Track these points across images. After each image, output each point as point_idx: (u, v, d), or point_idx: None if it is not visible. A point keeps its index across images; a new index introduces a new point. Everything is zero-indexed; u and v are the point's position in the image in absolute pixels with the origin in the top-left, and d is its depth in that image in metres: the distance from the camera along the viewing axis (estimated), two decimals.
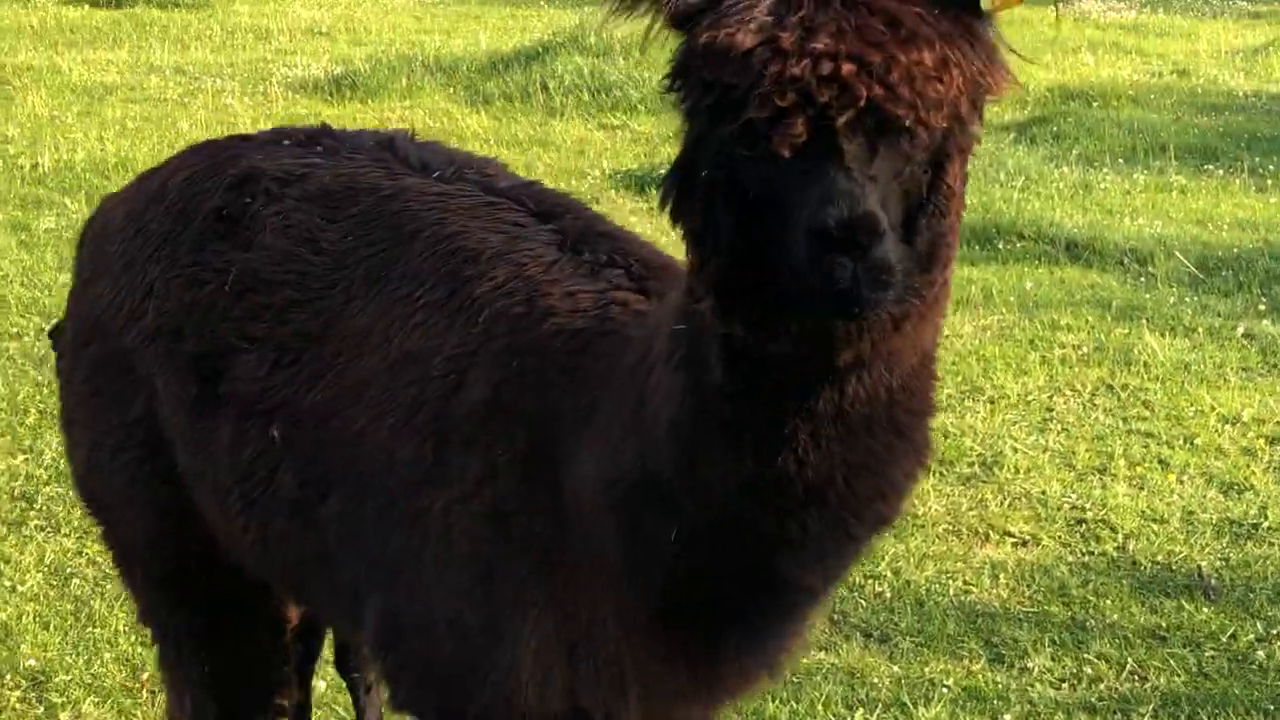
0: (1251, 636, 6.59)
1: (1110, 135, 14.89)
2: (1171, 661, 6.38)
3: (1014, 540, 7.43)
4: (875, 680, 6.23)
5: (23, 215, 12.72)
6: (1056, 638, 6.57)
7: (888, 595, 6.88)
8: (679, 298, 3.13)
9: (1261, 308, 10.34)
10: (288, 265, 3.98)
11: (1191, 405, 8.91)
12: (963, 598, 6.90)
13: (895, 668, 6.33)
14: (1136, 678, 6.31)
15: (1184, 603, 6.82)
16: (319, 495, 3.79)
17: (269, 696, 4.48)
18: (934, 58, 2.75)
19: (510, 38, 19.99)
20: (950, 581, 7.03)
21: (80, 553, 7.20)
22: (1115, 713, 6.07)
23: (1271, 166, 14.01)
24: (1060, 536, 7.45)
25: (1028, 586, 7.00)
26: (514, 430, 3.48)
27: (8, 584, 6.95)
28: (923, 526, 7.48)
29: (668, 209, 2.97)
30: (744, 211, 2.81)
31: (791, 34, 2.73)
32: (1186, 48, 19.99)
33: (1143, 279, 10.98)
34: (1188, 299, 10.54)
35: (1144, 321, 10.09)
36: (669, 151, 12.47)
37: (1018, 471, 8.09)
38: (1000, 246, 11.75)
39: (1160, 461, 8.24)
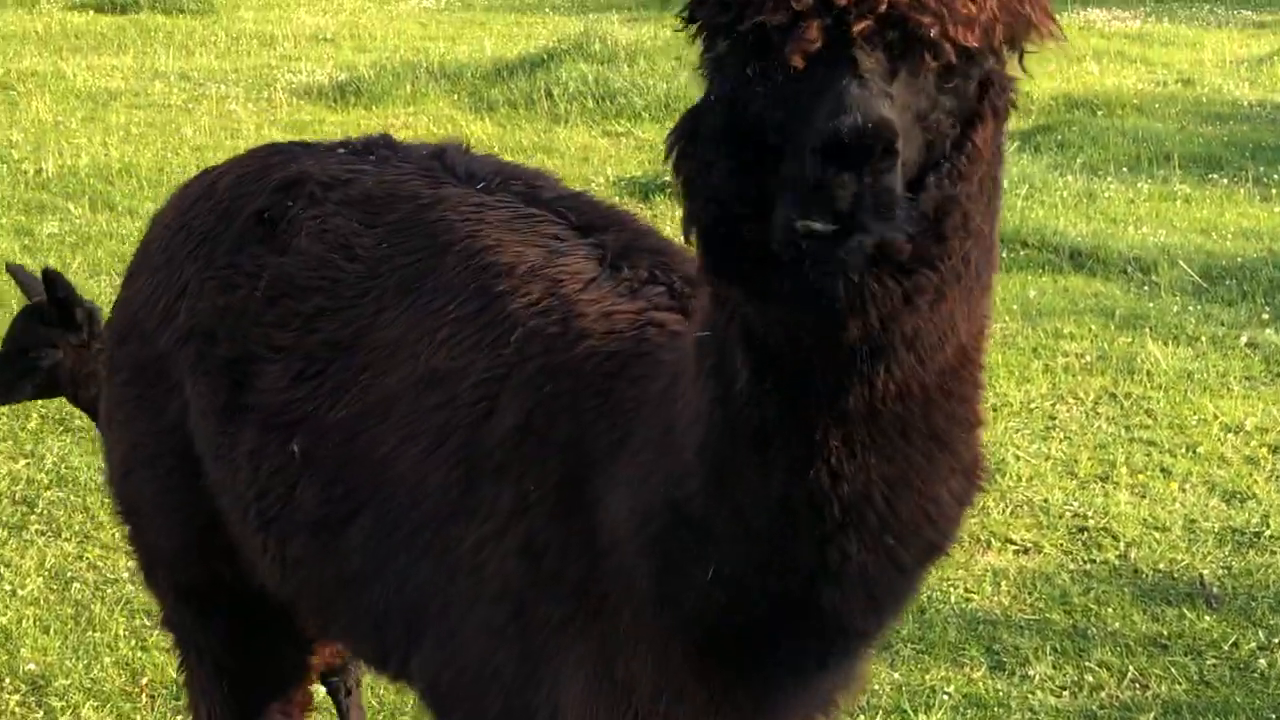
0: (1253, 645, 6.57)
1: (1115, 144, 14.88)
2: (1173, 670, 6.37)
3: (1016, 548, 7.42)
4: (876, 687, 6.21)
5: (26, 220, 12.72)
6: (1058, 645, 6.56)
7: None
8: (701, 300, 2.96)
9: (1265, 316, 10.33)
10: (321, 271, 3.89)
11: (1194, 414, 8.89)
12: (964, 605, 6.89)
13: (896, 674, 6.32)
14: (1138, 685, 6.30)
15: (1186, 611, 6.80)
16: (342, 518, 3.66)
17: (288, 713, 4.44)
18: None
19: (515, 44, 19.99)
20: (951, 589, 7.01)
21: (81, 557, 7.19)
22: None
23: (1276, 176, 13.99)
24: (1062, 544, 7.43)
25: (1029, 594, 6.98)
26: (547, 459, 3.32)
27: (8, 588, 6.94)
28: None
29: (671, 160, 2.75)
30: (744, 151, 2.60)
31: None
32: (1191, 57, 19.97)
33: (1146, 288, 10.96)
34: (1191, 308, 10.52)
35: (1147, 330, 10.08)
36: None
37: (1020, 479, 8.07)
38: (1004, 254, 11.71)
39: (1163, 470, 8.22)
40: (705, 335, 2.88)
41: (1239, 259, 11.51)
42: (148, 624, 6.61)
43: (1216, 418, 8.82)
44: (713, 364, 2.88)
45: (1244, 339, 9.94)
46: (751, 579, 2.97)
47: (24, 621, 6.68)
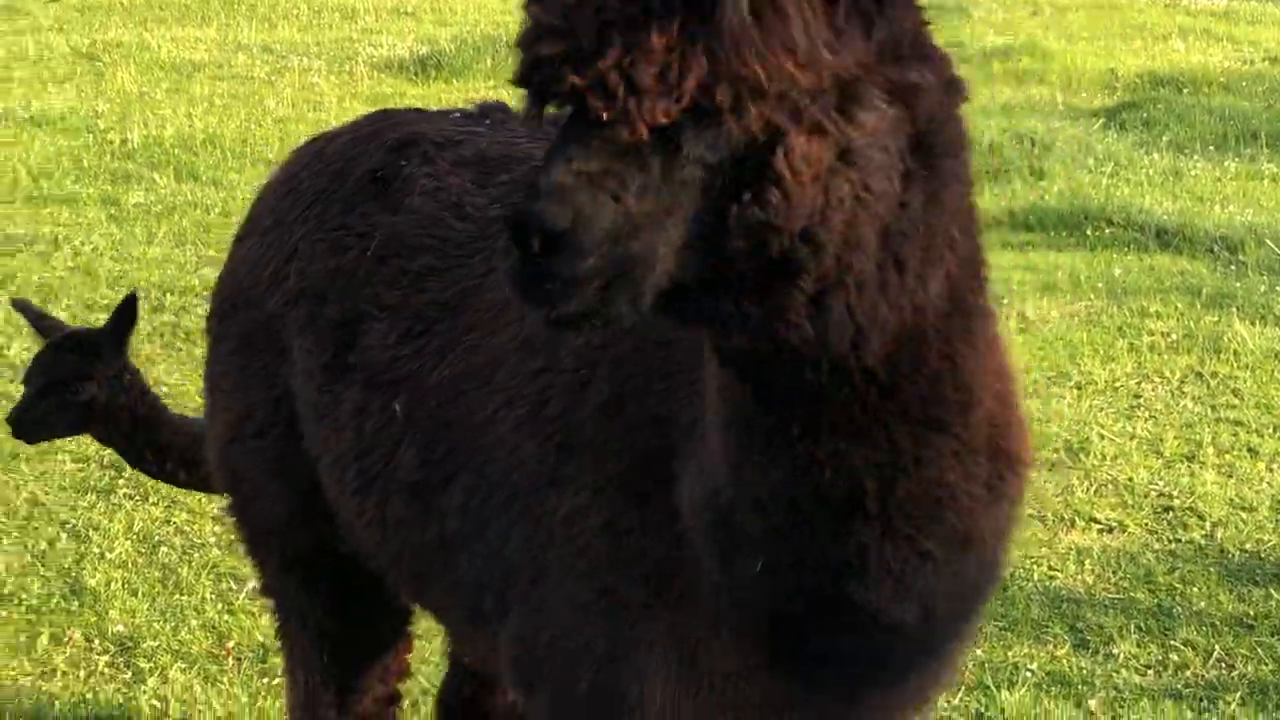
0: None
1: (1201, 122, 14.71)
2: (1259, 650, 6.31)
3: (1100, 527, 7.37)
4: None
5: (112, 189, 12.83)
6: (1142, 624, 6.51)
7: None
8: None
9: None
10: (432, 230, 3.86)
11: None
12: (1047, 583, 6.84)
13: (979, 651, 6.29)
14: (1223, 665, 6.25)
15: (1272, 591, 6.74)
16: (441, 480, 3.63)
17: (386, 685, 4.45)
18: (659, 41, 2.42)
19: None
20: (1035, 567, 6.97)
21: (168, 521, 7.27)
22: (1201, 699, 6.01)
23: None
24: (1147, 524, 7.37)
25: (1113, 573, 6.93)
26: (633, 437, 3.30)
27: (97, 551, 7.02)
28: None
29: None
30: None
31: (536, 6, 2.53)
32: (1278, 35, 19.71)
33: (1233, 266, 10.85)
34: (1279, 287, 10.40)
35: (1234, 309, 9.97)
36: None
37: (1104, 458, 8.01)
38: (1089, 233, 11.64)
39: (1249, 450, 8.14)
40: None
41: None
42: (233, 588, 6.68)
43: None
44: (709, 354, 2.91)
45: None
46: (788, 574, 2.97)
47: (112, 584, 6.76)
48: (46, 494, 7.54)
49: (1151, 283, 10.52)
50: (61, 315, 9.79)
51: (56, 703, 5.94)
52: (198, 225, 12.02)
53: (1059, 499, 7.59)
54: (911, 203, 2.63)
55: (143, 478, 7.56)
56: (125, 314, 5.56)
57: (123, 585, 6.75)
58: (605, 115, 2.43)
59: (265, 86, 16.46)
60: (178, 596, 6.65)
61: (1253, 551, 7.10)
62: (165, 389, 8.83)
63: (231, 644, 6.31)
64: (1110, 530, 7.34)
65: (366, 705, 4.39)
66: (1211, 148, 14.05)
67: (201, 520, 7.22)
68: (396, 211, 3.94)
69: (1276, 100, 15.90)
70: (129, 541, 7.12)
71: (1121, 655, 6.29)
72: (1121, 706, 5.98)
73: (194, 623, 6.39)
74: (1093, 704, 5.97)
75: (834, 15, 2.50)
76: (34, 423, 5.57)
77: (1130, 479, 7.80)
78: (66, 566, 6.92)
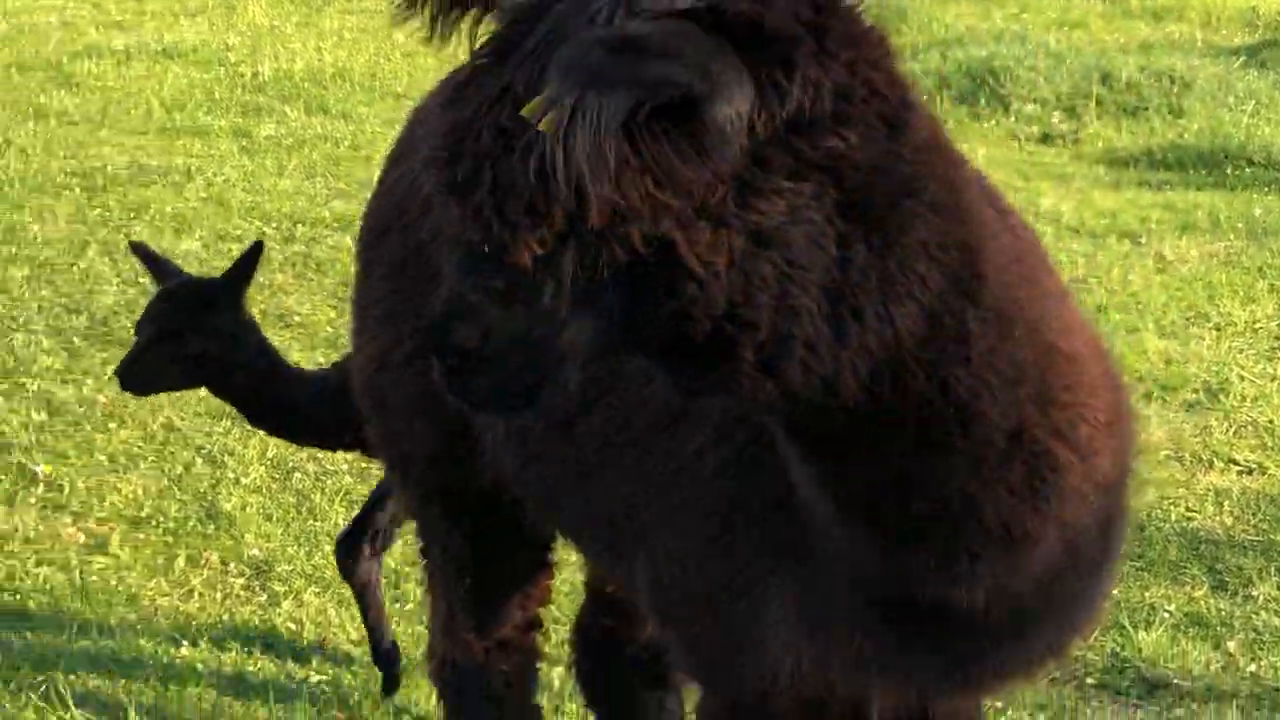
0: None
1: None
2: None
3: (1239, 468, 7.24)
4: None
5: (244, 122, 12.94)
6: None
7: None
8: None
9: None
10: None
11: None
12: (1185, 524, 6.74)
13: (1115, 591, 6.20)
14: None
15: None
16: (581, 409, 3.59)
17: (526, 611, 4.45)
18: (523, 175, 2.45)
19: None
20: (1172, 508, 6.87)
21: (301, 448, 7.31)
22: None
23: None
24: None
25: (1253, 515, 6.82)
26: None
27: (232, 476, 7.10)
28: (1144, 452, 7.30)
29: None
30: None
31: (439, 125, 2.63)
32: None
33: None
34: None
35: None
36: None
37: (1244, 399, 7.87)
38: (1229, 172, 11.43)
39: None
40: None
41: None
42: None
43: None
44: None
45: None
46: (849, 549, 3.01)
47: (248, 508, 6.83)
48: (182, 419, 7.63)
49: None
50: (195, 245, 9.94)
51: (194, 623, 6.02)
52: (328, 158, 12.09)
53: (1197, 440, 7.47)
54: (854, 259, 2.57)
55: None
56: (245, 265, 5.31)
57: (258, 510, 6.82)
58: (484, 247, 2.50)
59: None
60: (311, 522, 6.71)
61: None
62: (297, 319, 8.91)
63: None
64: (1249, 472, 7.21)
65: (507, 631, 4.39)
66: None
67: None
68: None
69: None
70: (263, 467, 7.19)
71: (1261, 598, 6.18)
72: (1261, 649, 5.88)
73: (327, 548, 6.43)
74: (1231, 646, 5.88)
75: (698, 132, 2.45)
76: (142, 375, 5.27)
77: (1271, 421, 7.65)
78: (202, 491, 7.01)
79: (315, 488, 6.98)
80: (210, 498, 6.95)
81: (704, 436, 3.33)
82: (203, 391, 5.55)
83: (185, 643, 5.87)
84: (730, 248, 2.50)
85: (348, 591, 5.84)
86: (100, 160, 11.87)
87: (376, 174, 4.52)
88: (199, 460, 7.27)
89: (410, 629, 5.89)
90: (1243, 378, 8.09)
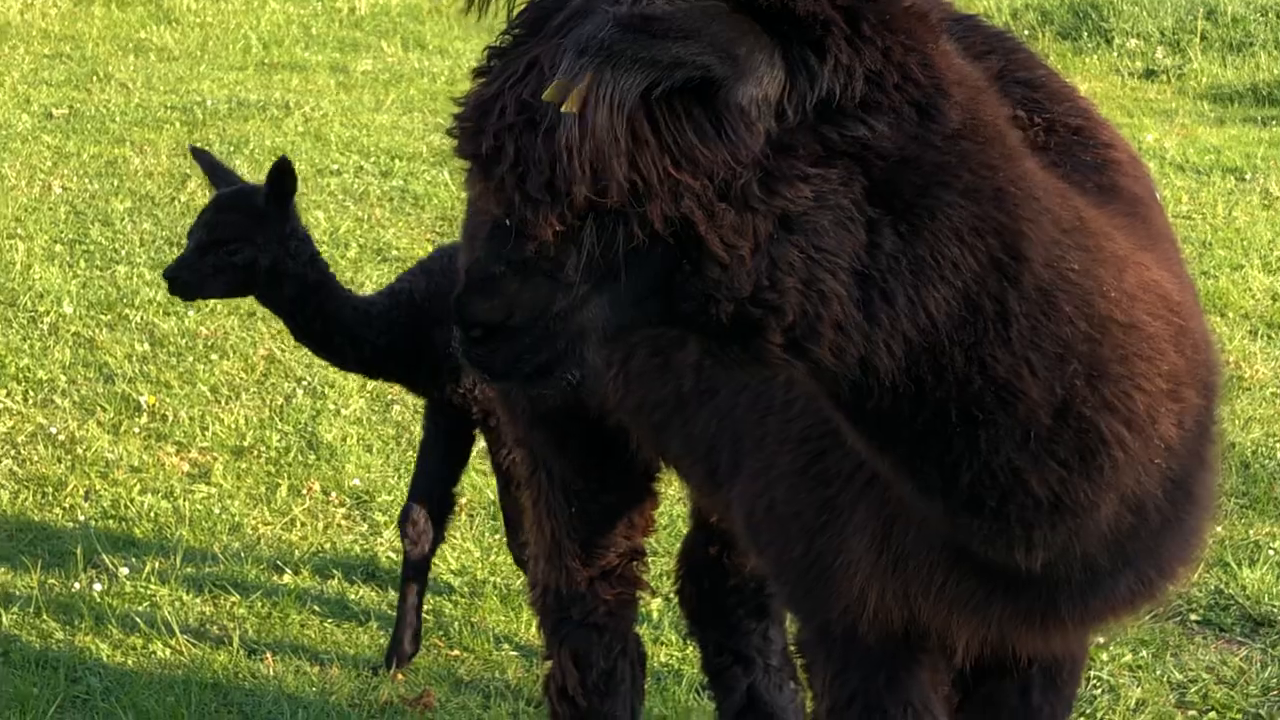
0: None
1: None
2: None
3: None
4: None
5: (341, 57, 13.00)
6: None
7: None
8: None
9: None
10: None
11: None
12: None
13: (1219, 528, 6.14)
14: None
15: None
16: (678, 336, 3.55)
17: (631, 540, 4.46)
18: (545, 151, 2.47)
19: None
20: (1277, 445, 6.78)
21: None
22: None
23: None
24: None
25: None
26: None
27: (332, 407, 7.16)
28: (1249, 389, 7.23)
29: None
30: None
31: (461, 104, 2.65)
32: None
33: None
34: None
35: None
36: None
37: None
38: None
39: None
40: None
41: None
42: None
43: None
44: None
45: None
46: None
47: (348, 439, 6.89)
48: (283, 351, 7.69)
49: None
50: None
51: (296, 552, 6.08)
52: (424, 94, 12.12)
53: None
54: (883, 244, 2.58)
55: None
56: (281, 177, 5.19)
57: (357, 441, 6.88)
58: (506, 221, 2.52)
59: None
60: (410, 454, 6.73)
61: None
62: (395, 253, 8.96)
63: (465, 500, 6.39)
64: None
65: (610, 559, 4.40)
66: None
67: None
68: None
69: None
70: (362, 399, 7.24)
71: None
72: None
73: None
74: None
75: (720, 114, 2.46)
76: (189, 281, 5.22)
77: None
78: (303, 422, 7.07)
79: (414, 419, 7.01)
80: (311, 428, 7.01)
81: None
82: None
83: (288, 570, 5.93)
84: (755, 231, 2.51)
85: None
86: (199, 95, 11.97)
87: None
88: (299, 391, 7.33)
89: (509, 559, 5.92)
90: None
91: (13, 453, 6.81)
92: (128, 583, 5.83)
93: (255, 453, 6.82)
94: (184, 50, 13.38)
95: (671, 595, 5.38)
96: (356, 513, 6.38)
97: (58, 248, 9.09)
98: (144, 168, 10.30)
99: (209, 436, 6.94)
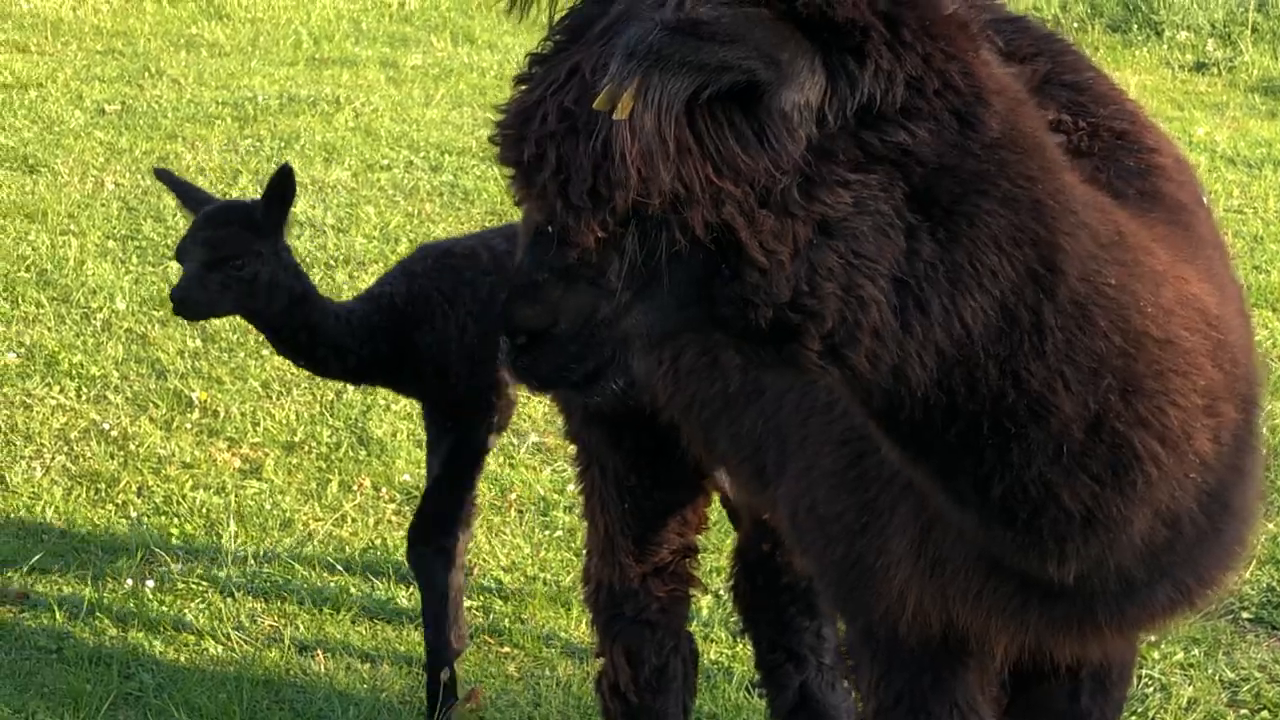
0: None
1: None
2: None
3: None
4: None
5: (391, 52, 13.04)
6: None
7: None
8: None
9: None
10: None
11: None
12: None
13: (1270, 525, 6.11)
14: None
15: None
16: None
17: (684, 537, 4.47)
18: (587, 158, 2.48)
19: None
20: None
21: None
22: None
23: None
24: None
25: None
26: None
27: (382, 403, 7.18)
28: None
29: None
30: None
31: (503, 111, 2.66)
32: None
33: None
34: None
35: None
36: None
37: None
38: None
39: None
40: None
41: None
42: (514, 443, 6.77)
43: None
44: None
45: None
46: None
47: (398, 435, 6.91)
48: None
49: None
50: (344, 175, 10.03)
51: (347, 548, 6.11)
52: (473, 88, 12.15)
53: None
54: (921, 251, 2.58)
55: None
56: (280, 187, 5.07)
57: (407, 436, 6.90)
58: (548, 228, 2.54)
59: None
60: None
61: None
62: None
63: (514, 496, 6.41)
64: None
65: (663, 555, 4.42)
66: None
67: None
68: None
69: None
70: None
71: None
72: None
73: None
74: None
75: (762, 119, 2.47)
76: (200, 300, 5.06)
77: None
78: (353, 417, 7.10)
79: None
80: (361, 424, 7.04)
81: None
82: None
83: (339, 567, 5.96)
84: (795, 237, 2.51)
85: (498, 519, 5.90)
86: (250, 90, 12.02)
87: None
88: (349, 387, 7.35)
89: (559, 555, 5.94)
90: None
91: (66, 449, 6.87)
92: (180, 579, 5.87)
93: (306, 448, 6.85)
94: (235, 46, 13.45)
95: (722, 592, 5.39)
96: (407, 508, 6.39)
97: (110, 244, 9.15)
98: (196, 163, 10.36)
99: (260, 432, 6.98)
